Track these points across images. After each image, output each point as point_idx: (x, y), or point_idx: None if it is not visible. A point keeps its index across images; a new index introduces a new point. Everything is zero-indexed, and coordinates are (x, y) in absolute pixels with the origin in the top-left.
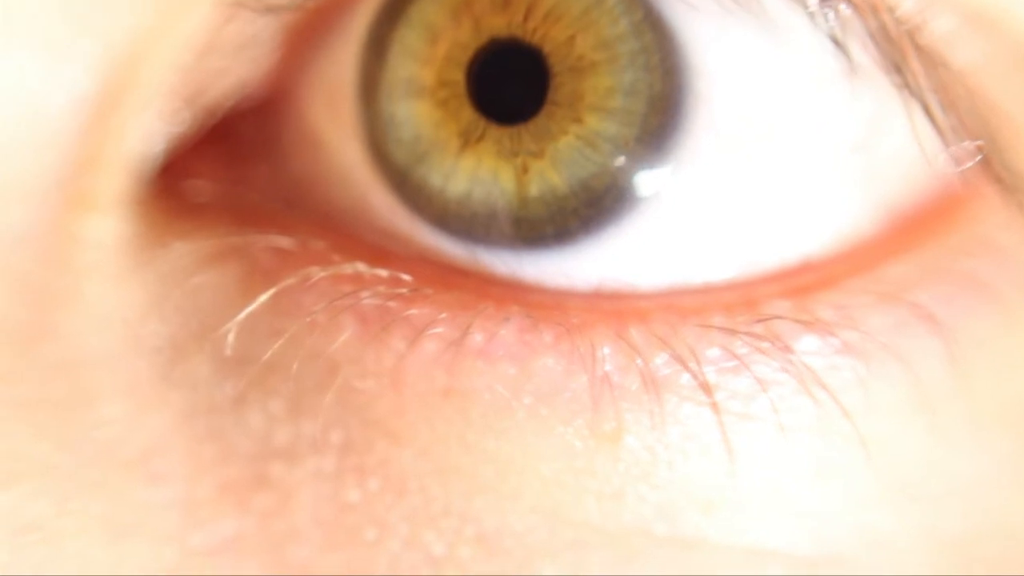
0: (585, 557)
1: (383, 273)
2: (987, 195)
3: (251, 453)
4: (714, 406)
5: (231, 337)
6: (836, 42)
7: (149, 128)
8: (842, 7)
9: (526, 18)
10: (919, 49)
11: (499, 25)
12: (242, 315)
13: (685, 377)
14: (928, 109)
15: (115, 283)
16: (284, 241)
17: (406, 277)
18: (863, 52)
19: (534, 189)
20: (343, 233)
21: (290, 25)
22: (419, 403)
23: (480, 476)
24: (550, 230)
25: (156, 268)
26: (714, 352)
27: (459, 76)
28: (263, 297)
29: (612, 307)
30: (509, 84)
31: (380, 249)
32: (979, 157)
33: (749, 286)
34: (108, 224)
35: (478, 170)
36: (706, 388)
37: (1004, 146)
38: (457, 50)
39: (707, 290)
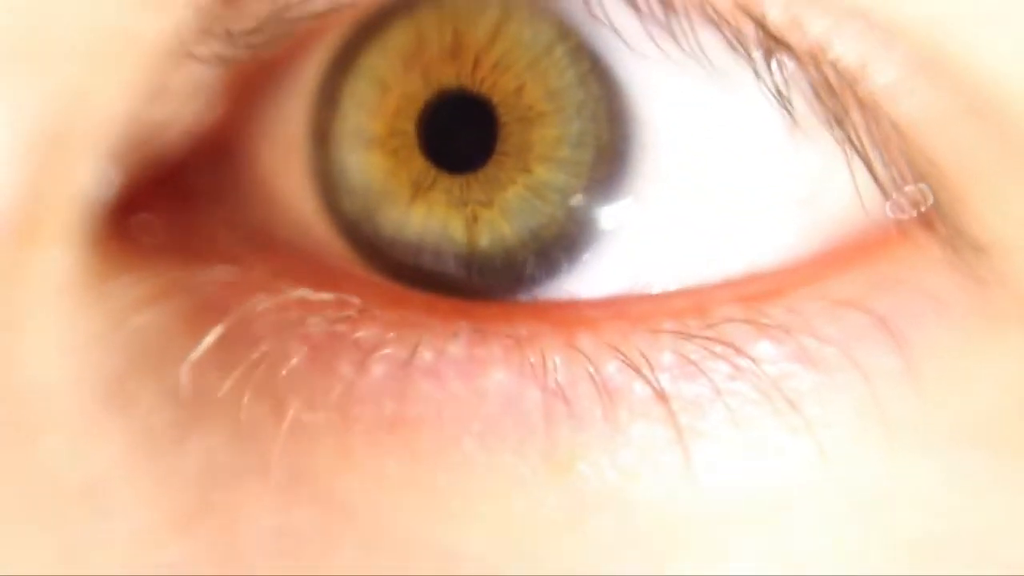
0: None
1: (329, 297)
2: (927, 244)
3: (196, 482)
4: (670, 415)
5: (181, 374)
6: (780, 95)
7: (97, 170)
8: (786, 60)
9: (475, 68)
10: (860, 102)
11: (448, 75)
12: (192, 355)
13: (638, 386)
14: (869, 163)
15: (61, 317)
16: (229, 273)
17: (353, 299)
18: (806, 105)
19: (484, 239)
20: (288, 258)
21: (239, 75)
22: (367, 437)
23: (431, 510)
24: (502, 278)
25: (102, 303)
26: (667, 358)
27: (409, 126)
28: (210, 337)
29: (561, 316)
30: (460, 133)
31: (326, 272)
32: (919, 210)
33: (699, 293)
34: (55, 259)
35: (429, 220)
36: (661, 397)
37: (947, 198)
38: (407, 101)
39: (656, 298)
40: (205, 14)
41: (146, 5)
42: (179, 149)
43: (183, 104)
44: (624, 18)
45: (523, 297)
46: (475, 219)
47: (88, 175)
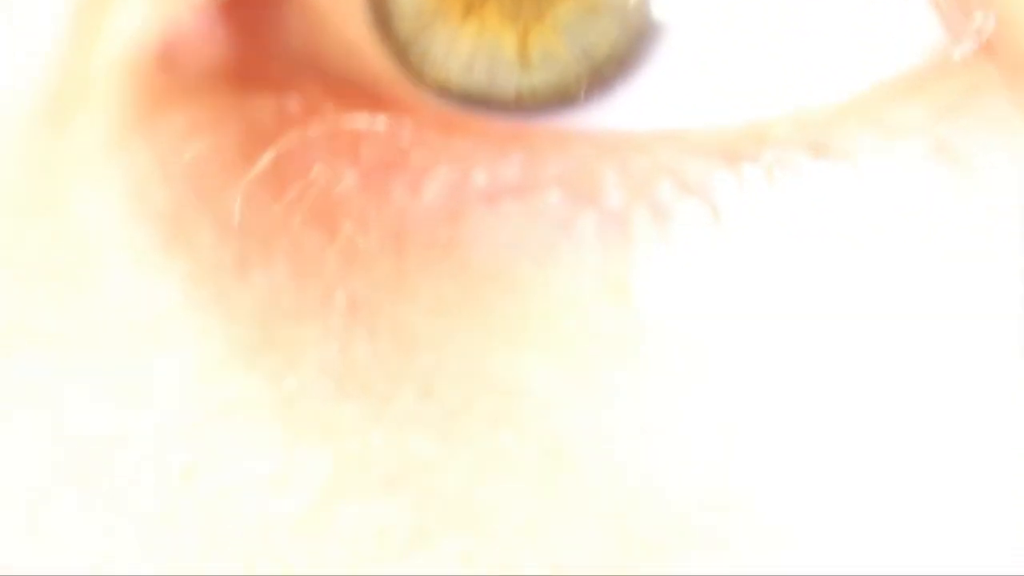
0: (609, 408)
1: (381, 120)
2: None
3: (256, 315)
4: (727, 236)
5: (234, 202)
6: None
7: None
8: None
9: None
10: None
11: None
12: (244, 180)
13: (694, 205)
14: None
15: (112, 155)
16: (280, 99)
17: (405, 123)
18: None
19: (536, 56)
20: (340, 83)
21: None
22: (422, 262)
23: (489, 337)
24: (555, 99)
25: (154, 138)
26: (723, 178)
27: None
28: (263, 161)
29: (614, 142)
30: None
31: (378, 97)
32: (980, 38)
33: (756, 123)
34: (106, 96)
35: (480, 37)
36: (717, 216)
37: (1006, 24)
38: None
39: (712, 125)
40: None
41: None
42: None
43: None
44: None
45: (577, 123)
46: (527, 35)
47: (133, 9)
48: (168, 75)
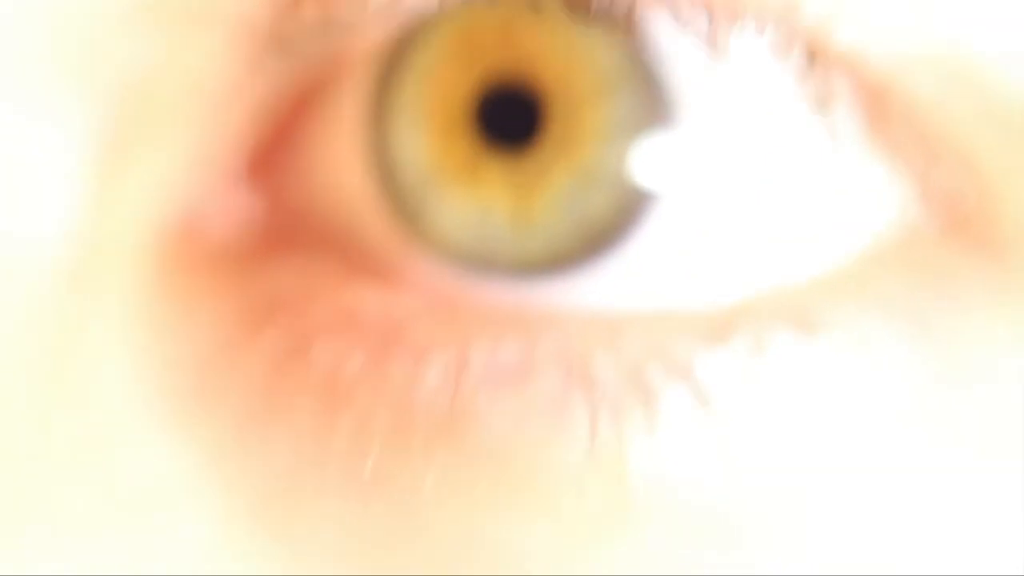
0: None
1: (382, 299)
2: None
3: (267, 489)
4: (713, 417)
5: (234, 378)
6: (819, 102)
7: (164, 174)
8: (825, 67)
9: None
10: (896, 108)
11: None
12: (244, 356)
13: (682, 389)
14: (906, 167)
15: (136, 324)
16: (279, 274)
17: (406, 299)
18: (845, 112)
19: (533, 221)
20: (339, 257)
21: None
22: (423, 441)
23: (490, 511)
24: (548, 262)
25: (175, 309)
26: (710, 361)
27: (462, 110)
28: (268, 341)
29: (607, 322)
30: (512, 114)
31: (376, 272)
32: (954, 212)
33: (744, 304)
34: (128, 266)
35: (478, 200)
36: (703, 399)
37: (980, 199)
38: (457, 87)
39: (700, 304)
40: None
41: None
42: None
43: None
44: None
45: (568, 298)
46: (525, 201)
47: (154, 180)
48: (190, 245)
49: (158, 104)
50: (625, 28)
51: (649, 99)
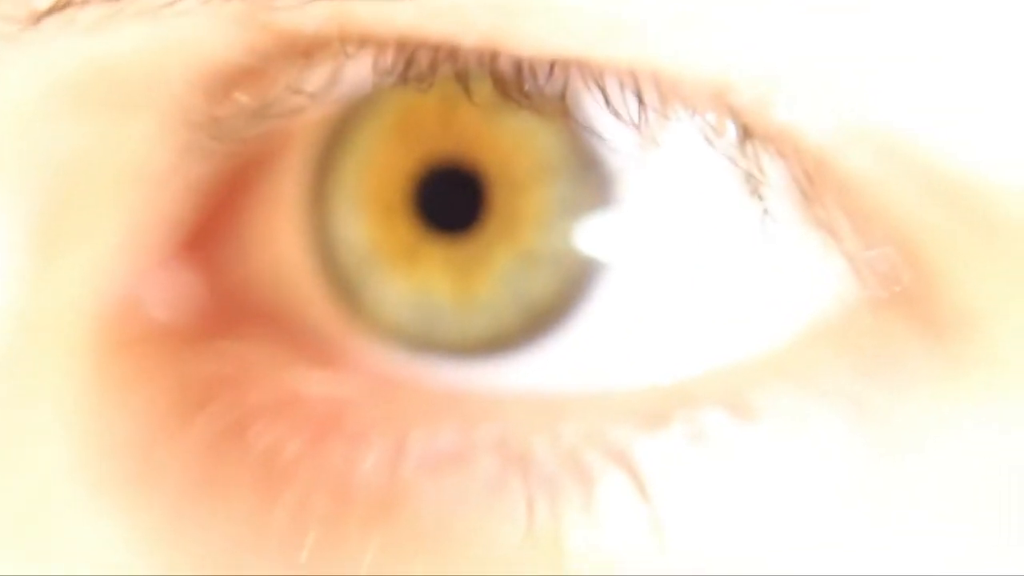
0: None
1: (321, 382)
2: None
3: (202, 566)
4: (650, 502)
5: (171, 458)
6: (752, 181)
7: (100, 258)
8: (758, 147)
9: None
10: (834, 187)
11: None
12: (181, 436)
13: (620, 475)
14: (843, 246)
15: (72, 401)
16: (217, 354)
17: (345, 383)
18: (780, 192)
19: (473, 303)
20: (278, 337)
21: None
22: (361, 525)
23: None
24: (488, 342)
25: (110, 387)
26: (647, 446)
27: (401, 192)
28: (204, 420)
29: (546, 406)
30: (451, 198)
31: (315, 354)
32: (893, 289)
33: (682, 381)
34: (65, 343)
35: (417, 283)
36: (641, 487)
37: (919, 276)
38: (396, 172)
39: (640, 388)
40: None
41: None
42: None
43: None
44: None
45: (509, 380)
46: (466, 281)
47: (90, 263)
48: (128, 326)
49: (92, 187)
50: (561, 111)
51: (589, 180)
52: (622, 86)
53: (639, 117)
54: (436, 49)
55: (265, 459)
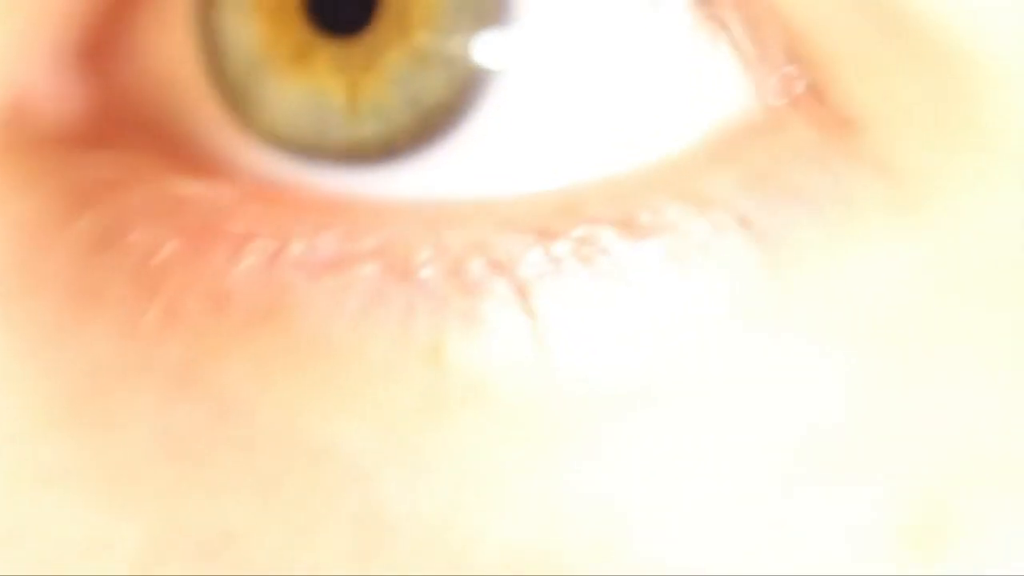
0: (424, 472)
1: (205, 187)
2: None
3: (75, 378)
4: (532, 312)
5: (55, 262)
6: None
7: None
8: None
9: None
10: None
11: None
12: (65, 241)
13: (502, 283)
14: (739, 46)
15: None
16: (109, 160)
17: (228, 191)
18: None
19: (365, 105)
20: (166, 145)
21: None
22: (242, 329)
23: (306, 402)
24: (379, 146)
25: None
26: (533, 256)
27: None
28: (83, 223)
29: (433, 215)
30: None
31: (205, 154)
32: (791, 94)
33: (569, 192)
34: None
35: (309, 85)
36: (523, 294)
37: (818, 80)
38: None
39: (525, 196)
40: None
41: None
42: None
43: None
44: None
45: (397, 188)
46: (356, 84)
47: None
48: (15, 128)
49: None
50: None
51: None
52: None
53: None
54: None
55: (141, 262)
